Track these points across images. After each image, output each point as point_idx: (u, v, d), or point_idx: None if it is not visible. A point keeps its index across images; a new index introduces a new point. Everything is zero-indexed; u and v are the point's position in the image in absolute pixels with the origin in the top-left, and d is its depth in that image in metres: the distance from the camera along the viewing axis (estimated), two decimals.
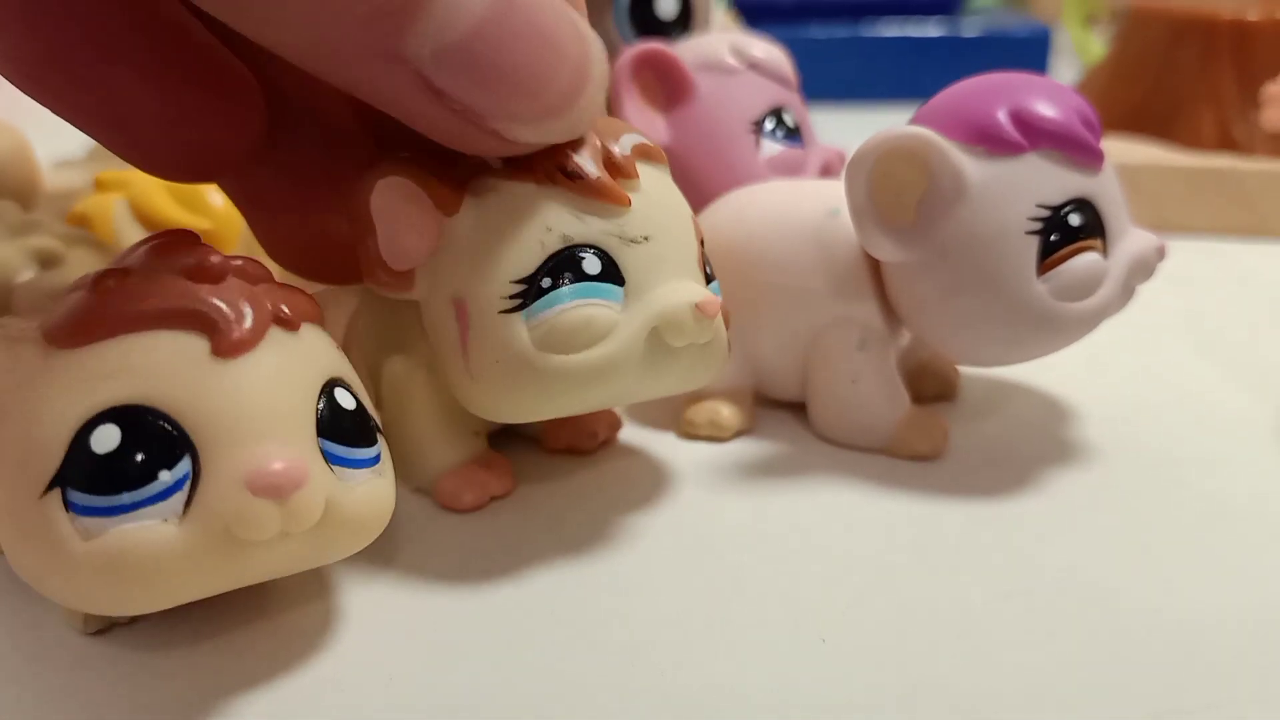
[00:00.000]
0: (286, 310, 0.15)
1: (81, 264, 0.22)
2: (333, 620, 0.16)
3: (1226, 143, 0.38)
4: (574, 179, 0.16)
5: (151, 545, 0.13)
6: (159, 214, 0.26)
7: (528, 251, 0.16)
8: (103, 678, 0.15)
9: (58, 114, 0.18)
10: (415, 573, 0.18)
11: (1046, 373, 0.24)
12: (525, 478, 0.21)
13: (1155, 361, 0.26)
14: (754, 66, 0.27)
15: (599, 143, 0.17)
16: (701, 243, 0.18)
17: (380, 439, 0.16)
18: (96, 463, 0.13)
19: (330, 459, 0.14)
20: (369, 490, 0.15)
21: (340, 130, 0.19)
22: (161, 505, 0.13)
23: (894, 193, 0.19)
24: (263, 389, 0.14)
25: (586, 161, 0.17)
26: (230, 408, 0.14)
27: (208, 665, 0.15)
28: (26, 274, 0.21)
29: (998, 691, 0.15)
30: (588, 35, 0.16)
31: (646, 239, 0.17)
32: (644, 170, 0.17)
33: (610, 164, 0.17)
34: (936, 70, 0.61)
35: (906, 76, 0.58)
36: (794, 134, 0.28)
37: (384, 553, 0.18)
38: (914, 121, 0.20)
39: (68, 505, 0.13)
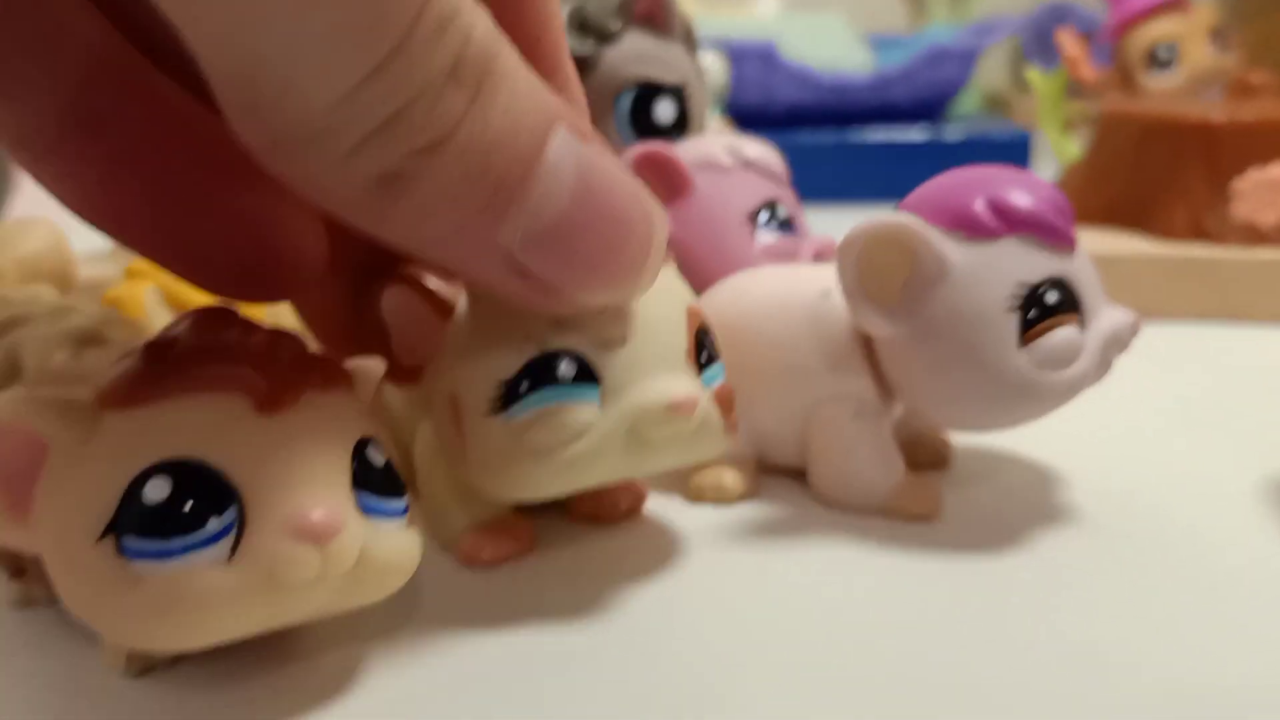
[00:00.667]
0: (321, 376, 0.16)
1: (120, 343, 0.23)
2: (360, 665, 0.17)
3: (1198, 233, 0.40)
4: None
5: (201, 586, 0.14)
6: (189, 300, 0.28)
7: (509, 357, 0.17)
8: (145, 717, 0.16)
9: (142, 254, 0.19)
10: (439, 625, 0.18)
11: (1035, 444, 0.25)
12: (547, 539, 0.22)
13: (1139, 434, 0.27)
14: (747, 165, 0.29)
15: None
16: (701, 330, 0.19)
17: (410, 495, 0.17)
18: (149, 510, 0.14)
19: (364, 508, 0.16)
20: (399, 539, 0.16)
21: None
22: (210, 550, 0.14)
23: (881, 275, 0.21)
24: (301, 443, 0.15)
25: None
26: (272, 460, 0.15)
27: (244, 706, 0.16)
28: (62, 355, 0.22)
29: None
30: (653, 209, 0.17)
31: (624, 340, 0.18)
32: None
33: None
34: (921, 173, 0.63)
35: (892, 179, 0.59)
36: (787, 225, 0.29)
37: (409, 605, 0.19)
38: (900, 209, 0.21)
39: (121, 549, 0.14)
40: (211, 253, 0.19)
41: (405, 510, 0.17)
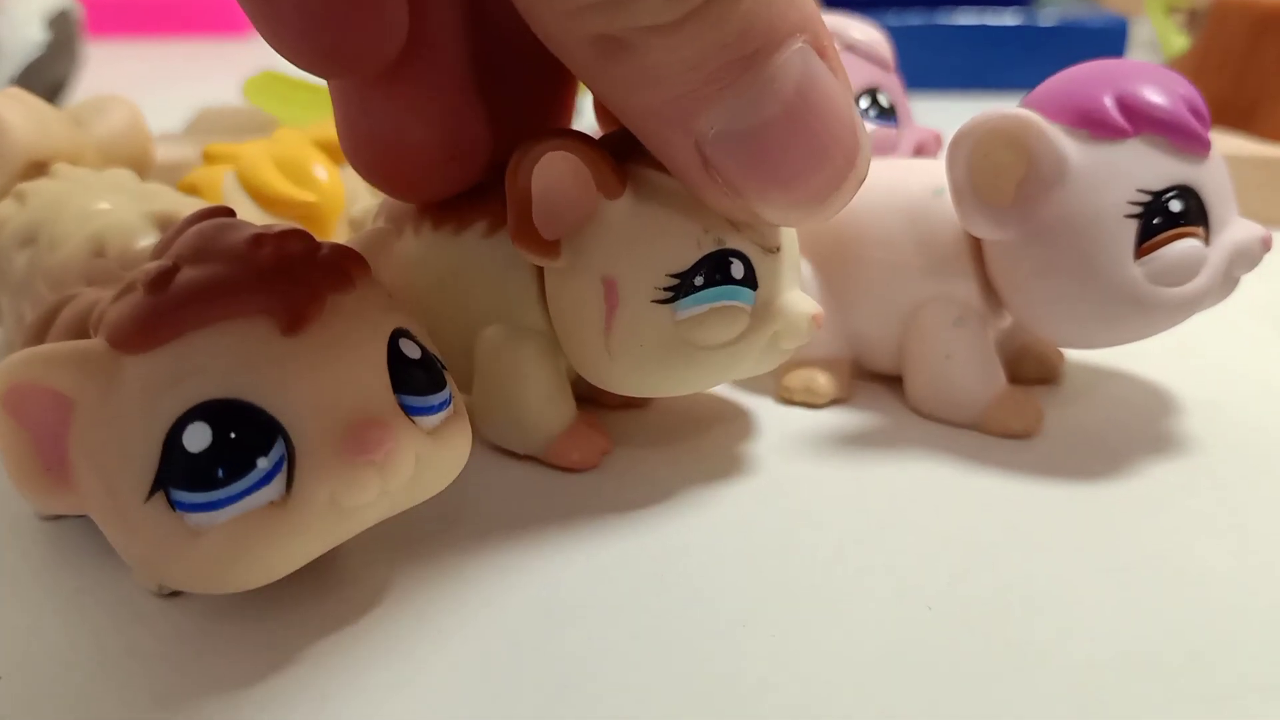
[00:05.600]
0: (339, 272, 0.15)
1: None
2: (389, 589, 0.17)
3: None
4: None
5: (262, 528, 0.13)
6: (266, 187, 0.27)
7: (685, 249, 0.17)
8: (176, 636, 0.16)
9: None
10: (519, 533, 0.18)
11: (1148, 361, 0.24)
12: (625, 439, 0.21)
13: (1245, 351, 0.26)
14: (850, 48, 0.28)
15: None
16: None
17: (449, 379, 0.16)
18: (193, 461, 0.13)
19: (409, 411, 0.15)
20: (449, 432, 0.16)
21: (488, 61, 0.19)
22: (265, 490, 0.13)
23: (994, 173, 0.19)
24: (335, 356, 0.14)
25: None
26: (309, 382, 0.14)
27: (271, 626, 0.16)
28: (148, 239, 0.22)
29: (1102, 660, 0.15)
30: (863, 141, 0.16)
31: (778, 250, 0.18)
32: None
33: None
34: (1012, 60, 0.61)
35: (982, 66, 0.57)
36: (887, 114, 0.28)
37: (460, 510, 0.19)
38: (1023, 105, 0.20)
39: (174, 505, 0.13)
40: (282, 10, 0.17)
41: (449, 399, 0.16)
